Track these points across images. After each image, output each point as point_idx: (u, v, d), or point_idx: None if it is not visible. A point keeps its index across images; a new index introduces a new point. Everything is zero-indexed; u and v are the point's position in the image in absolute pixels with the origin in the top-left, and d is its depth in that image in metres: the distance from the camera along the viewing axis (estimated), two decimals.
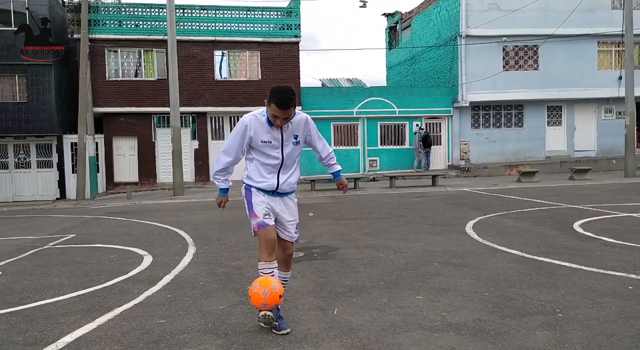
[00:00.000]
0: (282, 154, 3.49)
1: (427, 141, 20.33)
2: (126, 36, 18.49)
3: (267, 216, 3.47)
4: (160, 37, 18.13)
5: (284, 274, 3.69)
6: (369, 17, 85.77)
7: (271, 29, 19.49)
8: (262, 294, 3.25)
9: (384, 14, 28.56)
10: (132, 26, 18.65)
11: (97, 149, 18.41)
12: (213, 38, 18.93)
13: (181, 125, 17.32)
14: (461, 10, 20.25)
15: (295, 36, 19.47)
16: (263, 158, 3.49)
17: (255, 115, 3.47)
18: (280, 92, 3.28)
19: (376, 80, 51.75)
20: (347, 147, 20.50)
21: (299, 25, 19.50)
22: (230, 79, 19.43)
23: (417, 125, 20.58)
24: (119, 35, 18.43)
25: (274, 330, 3.45)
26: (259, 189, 3.53)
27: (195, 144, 19.47)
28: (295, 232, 3.67)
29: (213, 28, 19.01)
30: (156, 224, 9.56)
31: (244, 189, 3.59)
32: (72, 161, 18.46)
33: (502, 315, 3.68)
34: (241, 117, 3.60)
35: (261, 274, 3.42)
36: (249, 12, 19.28)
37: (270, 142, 3.44)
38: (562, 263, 5.17)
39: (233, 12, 19.19)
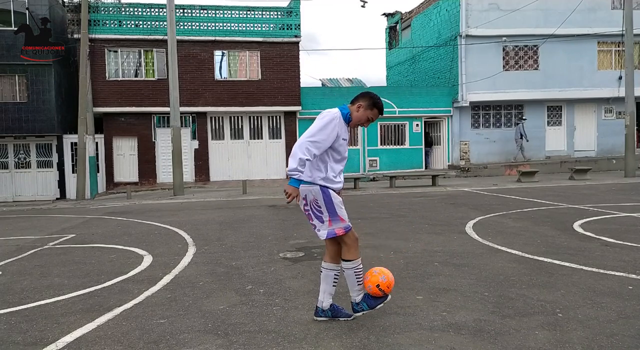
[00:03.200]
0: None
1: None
2: (126, 36, 18.49)
3: (348, 218, 3.58)
4: (160, 37, 18.14)
5: (338, 267, 3.67)
6: (369, 17, 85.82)
7: (271, 29, 19.49)
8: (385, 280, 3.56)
9: (384, 14, 28.57)
10: (132, 26, 18.65)
11: (97, 149, 18.42)
12: (213, 38, 18.94)
13: (181, 125, 17.34)
14: (461, 10, 20.25)
15: (295, 36, 19.47)
16: (338, 156, 3.58)
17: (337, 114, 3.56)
18: (379, 100, 3.68)
19: (376, 80, 51.82)
20: (347, 147, 20.49)
21: (299, 25, 19.51)
22: (230, 79, 19.43)
23: (521, 117, 20.67)
24: (119, 35, 18.44)
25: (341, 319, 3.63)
26: (333, 190, 3.54)
27: (195, 144, 19.47)
28: None
29: (213, 28, 19.01)
30: (156, 224, 9.56)
31: (320, 191, 3.48)
32: (72, 161, 18.46)
33: (502, 315, 3.68)
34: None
35: (358, 272, 3.56)
36: (249, 12, 19.28)
37: (346, 140, 3.63)
38: (562, 263, 5.17)
39: (233, 12, 19.19)
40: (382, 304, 3.61)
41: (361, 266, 3.58)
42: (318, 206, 3.47)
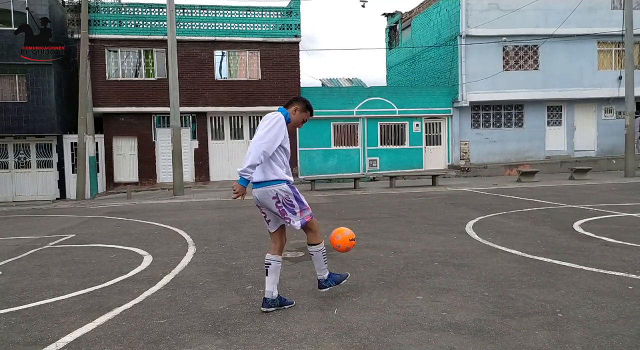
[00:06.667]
0: None
1: None
2: (126, 36, 18.49)
3: None
4: (160, 37, 18.14)
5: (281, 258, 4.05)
6: (369, 17, 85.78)
7: (271, 29, 19.49)
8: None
9: (384, 14, 28.56)
10: (132, 26, 18.65)
11: (97, 149, 18.42)
12: (213, 38, 18.93)
13: (181, 125, 17.34)
14: (461, 10, 20.24)
15: (295, 36, 19.47)
16: (284, 154, 3.89)
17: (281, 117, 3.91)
18: (309, 103, 4.09)
19: (376, 80, 51.81)
20: (347, 147, 20.50)
21: (299, 25, 19.51)
22: (230, 79, 19.42)
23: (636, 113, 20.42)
24: (119, 35, 18.43)
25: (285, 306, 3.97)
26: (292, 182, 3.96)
27: (195, 144, 19.47)
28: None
29: (213, 28, 19.01)
30: (156, 224, 9.56)
31: (288, 187, 3.86)
32: (72, 161, 18.46)
33: (502, 315, 3.68)
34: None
35: (324, 253, 4.08)
36: (249, 12, 19.28)
37: (287, 138, 3.93)
38: (562, 263, 5.17)
39: (233, 12, 19.19)
40: (345, 280, 4.25)
41: (325, 248, 4.08)
42: (289, 201, 3.84)
